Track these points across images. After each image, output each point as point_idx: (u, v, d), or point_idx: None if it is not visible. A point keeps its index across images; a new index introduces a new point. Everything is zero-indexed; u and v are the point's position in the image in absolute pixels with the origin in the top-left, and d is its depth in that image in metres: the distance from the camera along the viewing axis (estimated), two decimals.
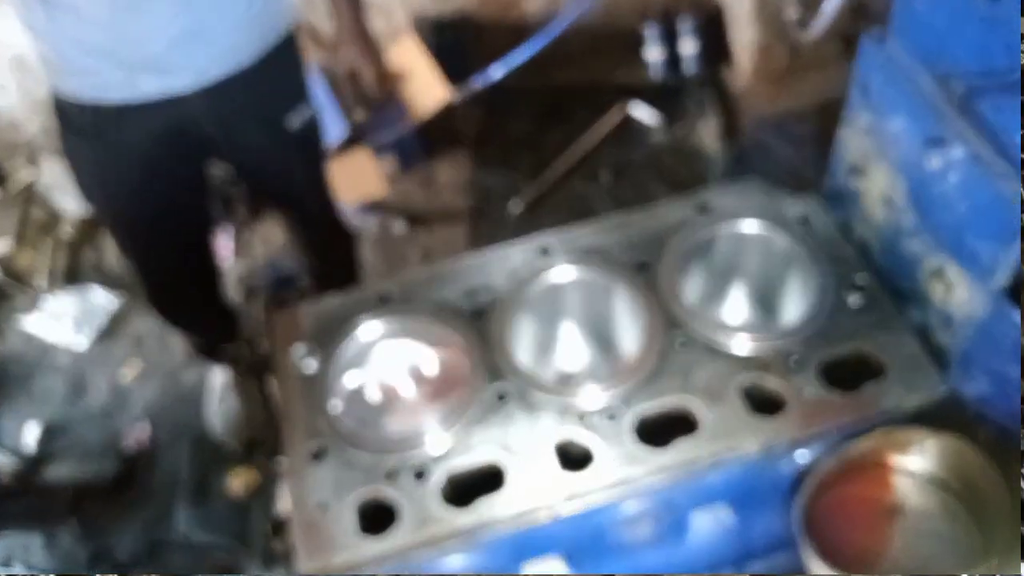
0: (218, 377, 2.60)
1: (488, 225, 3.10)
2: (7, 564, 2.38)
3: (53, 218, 3.29)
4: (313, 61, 2.96)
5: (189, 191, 1.99)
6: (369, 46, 1.91)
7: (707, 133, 3.25)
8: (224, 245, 3.11)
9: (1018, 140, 1.05)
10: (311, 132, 1.96)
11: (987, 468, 1.20)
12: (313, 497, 1.20)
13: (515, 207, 3.10)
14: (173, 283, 2.15)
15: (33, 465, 2.60)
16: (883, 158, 1.34)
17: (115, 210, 2.04)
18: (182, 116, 1.75)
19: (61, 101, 1.74)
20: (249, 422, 2.50)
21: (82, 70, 1.65)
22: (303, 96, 1.92)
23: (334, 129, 3.08)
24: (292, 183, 2.08)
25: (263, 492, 2.41)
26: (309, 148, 2.01)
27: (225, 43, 1.68)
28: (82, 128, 1.75)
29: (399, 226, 3.12)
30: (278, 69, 1.82)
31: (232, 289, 2.76)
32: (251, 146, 1.93)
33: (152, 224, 1.97)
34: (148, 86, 1.67)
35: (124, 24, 1.56)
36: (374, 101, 1.97)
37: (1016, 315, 1.11)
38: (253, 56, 1.75)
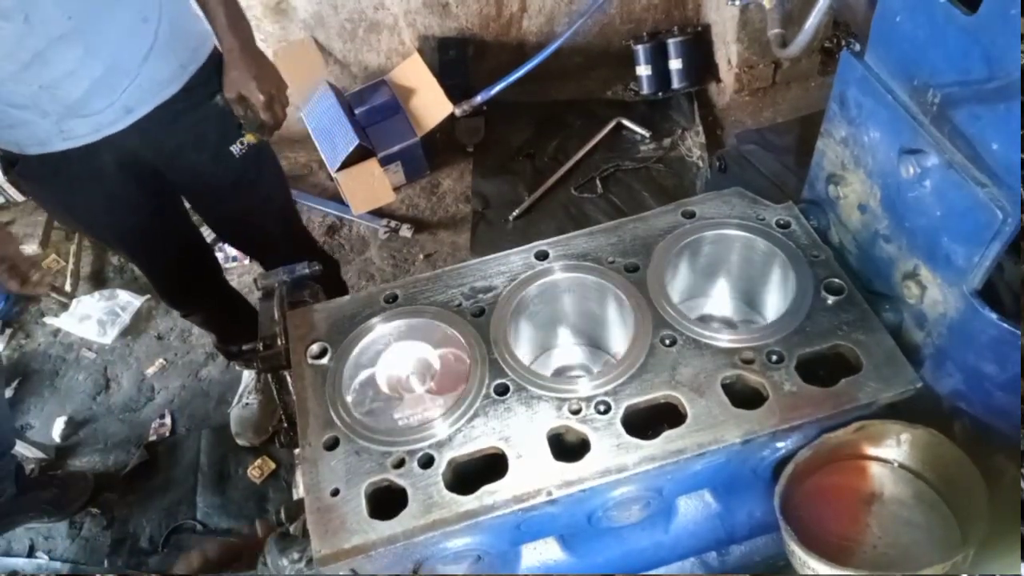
0: (243, 379, 2.60)
1: (489, 230, 3.10)
2: (31, 553, 2.38)
3: None
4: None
5: (161, 208, 1.90)
6: (259, 70, 1.72)
7: (693, 144, 3.26)
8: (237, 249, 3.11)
9: (993, 148, 1.04)
10: (257, 156, 1.85)
11: (962, 459, 1.19)
12: (326, 485, 1.21)
13: (514, 213, 3.10)
14: (171, 280, 2.11)
15: (59, 457, 2.60)
16: (860, 167, 1.35)
17: (93, 232, 1.99)
18: (121, 152, 1.69)
19: (7, 152, 1.66)
20: (267, 421, 2.51)
21: (12, 123, 1.58)
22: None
23: (341, 145, 3.09)
24: (247, 216, 1.96)
25: (278, 479, 2.42)
26: (258, 172, 1.89)
27: (144, 77, 1.61)
28: (32, 175, 1.70)
29: (405, 231, 3.13)
30: (208, 97, 1.73)
31: (248, 290, 2.77)
32: (195, 173, 1.84)
33: (132, 236, 1.92)
34: (79, 130, 1.60)
35: (36, 76, 1.49)
36: (267, 125, 1.78)
37: (989, 314, 1.11)
38: (177, 84, 1.67)
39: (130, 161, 1.72)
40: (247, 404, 2.53)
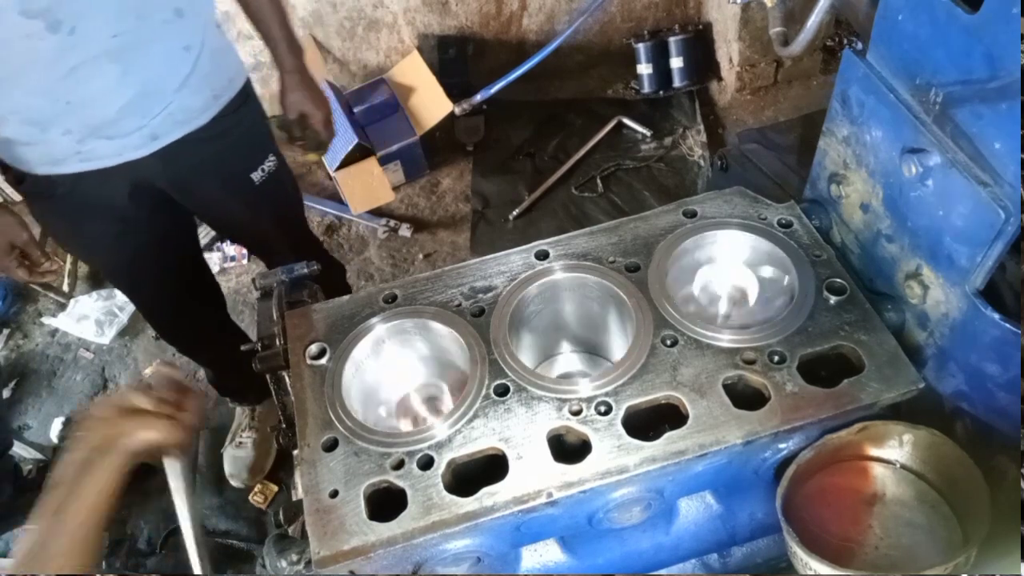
0: (236, 417, 2.52)
1: (488, 229, 3.10)
2: None
3: None
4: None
5: (167, 236, 1.89)
6: (314, 91, 1.82)
7: (695, 143, 3.26)
8: (237, 248, 3.12)
9: (995, 147, 1.04)
10: (276, 181, 1.86)
11: (964, 460, 1.19)
12: (325, 486, 1.21)
13: (514, 213, 3.10)
14: (172, 315, 2.08)
15: (56, 457, 2.60)
16: (862, 166, 1.35)
17: (95, 261, 1.96)
18: (137, 178, 1.67)
19: (16, 169, 1.62)
20: (263, 460, 2.44)
21: (28, 140, 1.54)
22: (264, 148, 1.83)
23: (340, 144, 3.09)
24: (260, 231, 1.98)
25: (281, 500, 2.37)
26: (276, 197, 1.90)
27: (176, 105, 1.59)
28: (41, 193, 1.67)
29: (404, 231, 3.13)
30: (235, 126, 1.73)
31: (246, 290, 2.77)
32: (211, 200, 1.85)
33: (134, 266, 1.89)
34: (99, 151, 1.58)
35: (69, 92, 1.46)
36: (324, 143, 1.88)
37: (991, 314, 1.11)
38: (209, 114, 1.66)
39: (144, 187, 1.70)
40: (241, 443, 2.45)
